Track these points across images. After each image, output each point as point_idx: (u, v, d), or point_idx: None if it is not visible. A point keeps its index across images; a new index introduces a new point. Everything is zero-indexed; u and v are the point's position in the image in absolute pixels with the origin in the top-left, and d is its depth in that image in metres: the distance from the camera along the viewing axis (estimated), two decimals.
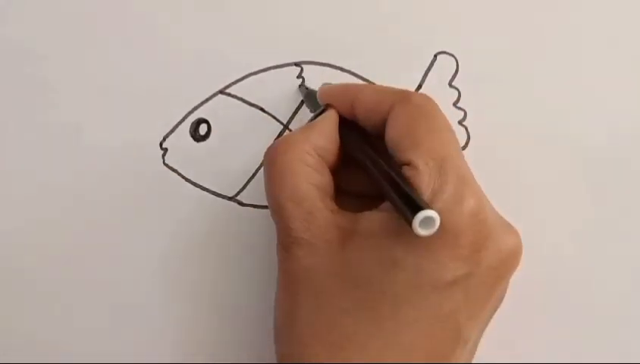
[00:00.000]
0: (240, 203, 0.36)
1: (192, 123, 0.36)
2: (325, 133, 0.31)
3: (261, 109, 0.36)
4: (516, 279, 0.29)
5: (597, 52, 0.37)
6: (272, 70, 0.36)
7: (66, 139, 0.36)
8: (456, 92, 0.37)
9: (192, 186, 0.36)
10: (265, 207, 0.36)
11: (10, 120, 0.36)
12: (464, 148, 0.37)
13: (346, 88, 0.33)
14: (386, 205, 0.28)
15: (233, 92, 0.36)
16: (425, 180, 0.27)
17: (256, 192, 0.36)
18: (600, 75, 0.37)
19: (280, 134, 0.36)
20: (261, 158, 0.36)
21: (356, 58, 0.36)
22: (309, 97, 0.35)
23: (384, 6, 0.37)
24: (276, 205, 0.29)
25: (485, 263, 0.27)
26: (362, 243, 0.28)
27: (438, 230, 0.25)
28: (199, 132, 0.36)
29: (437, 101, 0.31)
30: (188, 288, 0.36)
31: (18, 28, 0.36)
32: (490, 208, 0.28)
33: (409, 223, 0.25)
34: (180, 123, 0.36)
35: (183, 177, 0.36)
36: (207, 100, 0.36)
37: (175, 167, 0.36)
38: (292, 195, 0.29)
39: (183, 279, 0.36)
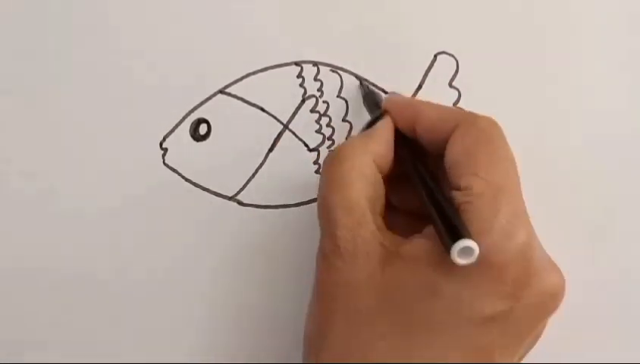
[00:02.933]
0: (240, 203, 0.36)
1: (192, 123, 0.36)
2: (383, 142, 0.31)
3: (262, 109, 0.36)
4: None
5: (597, 52, 0.37)
6: (272, 70, 0.36)
7: (66, 139, 0.36)
8: (456, 93, 0.37)
9: (192, 186, 0.36)
10: (265, 207, 0.36)
11: (9, 120, 0.36)
12: None
13: (410, 101, 0.33)
14: (429, 230, 0.28)
15: (233, 92, 0.36)
16: (475, 210, 0.27)
17: (256, 192, 0.36)
18: (600, 74, 0.37)
19: (280, 134, 0.36)
20: (261, 158, 0.36)
21: (357, 58, 0.36)
22: (367, 97, 0.35)
23: (384, 6, 0.37)
24: (325, 211, 0.29)
25: (526, 302, 0.27)
26: (403, 266, 0.27)
27: (477, 260, 0.25)
28: (199, 132, 0.36)
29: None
30: (187, 288, 0.36)
31: (19, 28, 0.36)
32: (538, 245, 0.28)
33: (448, 249, 0.25)
34: (180, 123, 0.36)
35: (183, 177, 0.36)
36: (207, 100, 0.36)
37: (175, 167, 0.36)
38: (343, 203, 0.29)
39: (182, 279, 0.36)
